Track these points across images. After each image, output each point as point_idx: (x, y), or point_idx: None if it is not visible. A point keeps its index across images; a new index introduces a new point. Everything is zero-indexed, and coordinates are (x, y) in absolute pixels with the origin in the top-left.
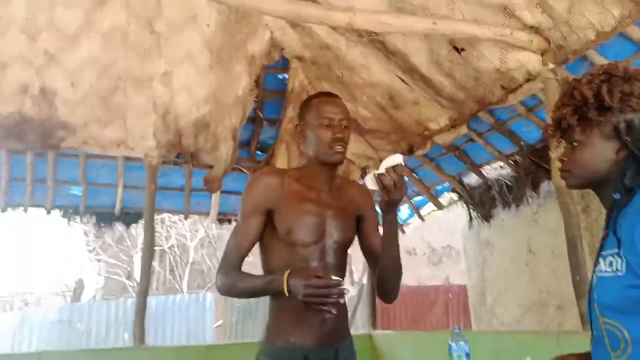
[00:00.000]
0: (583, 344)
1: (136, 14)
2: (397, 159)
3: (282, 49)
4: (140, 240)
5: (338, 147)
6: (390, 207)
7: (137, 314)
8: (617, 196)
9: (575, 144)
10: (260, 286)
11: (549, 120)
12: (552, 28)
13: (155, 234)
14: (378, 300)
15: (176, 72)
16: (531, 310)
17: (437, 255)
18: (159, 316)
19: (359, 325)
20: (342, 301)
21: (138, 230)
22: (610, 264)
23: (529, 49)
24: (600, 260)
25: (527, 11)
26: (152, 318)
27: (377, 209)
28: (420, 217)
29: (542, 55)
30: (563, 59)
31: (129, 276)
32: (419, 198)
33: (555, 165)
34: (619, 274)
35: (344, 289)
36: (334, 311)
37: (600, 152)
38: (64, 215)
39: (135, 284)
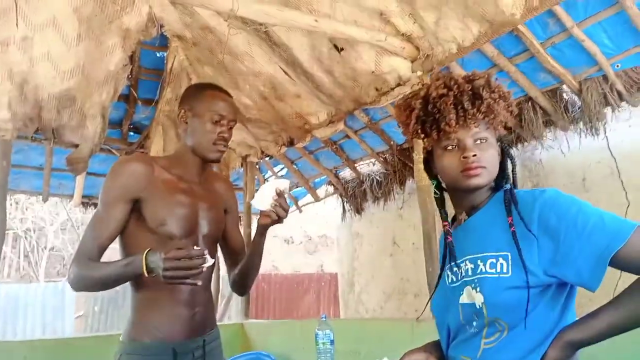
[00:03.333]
0: (434, 329)
1: None
2: (285, 183)
3: (162, 25)
4: None
5: (221, 146)
6: (267, 229)
7: None
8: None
9: (482, 141)
10: (117, 271)
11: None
12: (421, 37)
13: (8, 216)
14: (252, 290)
15: (38, 39)
16: (393, 297)
17: (313, 244)
18: (9, 307)
19: (232, 315)
20: (204, 268)
21: None
22: (492, 265)
23: (401, 55)
24: (478, 262)
25: (400, 19)
26: (0, 309)
27: (240, 207)
28: (299, 208)
29: (412, 62)
30: (429, 68)
31: None
32: (298, 189)
33: (418, 166)
34: (504, 275)
35: (206, 257)
36: (199, 283)
37: (497, 152)
38: None
39: None
